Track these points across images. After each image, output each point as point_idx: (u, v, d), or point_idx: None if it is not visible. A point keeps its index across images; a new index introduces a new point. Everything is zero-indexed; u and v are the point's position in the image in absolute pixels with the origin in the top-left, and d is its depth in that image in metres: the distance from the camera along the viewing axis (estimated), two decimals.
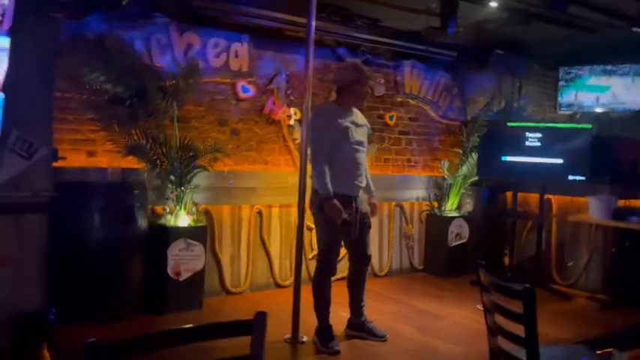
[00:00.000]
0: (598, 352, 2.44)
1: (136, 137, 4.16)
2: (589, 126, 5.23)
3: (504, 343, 2.10)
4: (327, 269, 3.67)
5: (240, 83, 4.85)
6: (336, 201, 3.49)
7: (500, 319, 2.08)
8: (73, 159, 4.05)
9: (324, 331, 3.67)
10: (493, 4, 4.71)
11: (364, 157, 3.75)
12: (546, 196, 5.47)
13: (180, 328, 1.32)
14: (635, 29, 5.08)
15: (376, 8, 5.14)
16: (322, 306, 3.68)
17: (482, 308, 2.20)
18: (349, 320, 3.88)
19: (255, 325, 1.36)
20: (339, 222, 3.53)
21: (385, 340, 3.78)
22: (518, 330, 1.96)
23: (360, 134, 3.70)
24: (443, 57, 5.90)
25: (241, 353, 1.40)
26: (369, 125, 3.87)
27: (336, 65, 5.08)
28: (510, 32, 5.77)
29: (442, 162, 5.91)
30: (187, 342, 1.31)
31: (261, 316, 1.37)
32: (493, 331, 2.09)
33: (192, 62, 4.41)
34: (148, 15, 4.39)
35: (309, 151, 3.62)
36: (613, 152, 5.47)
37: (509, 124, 5.49)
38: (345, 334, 3.84)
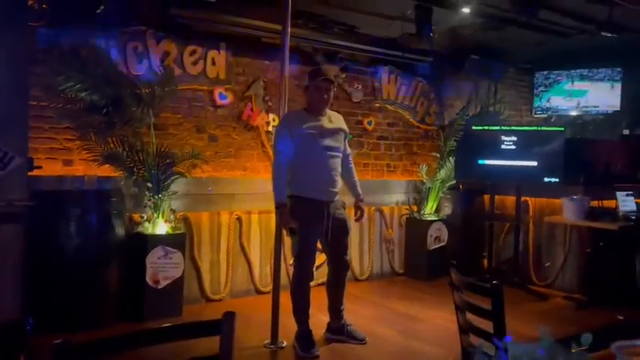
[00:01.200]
0: (572, 350, 2.49)
1: (112, 145, 4.15)
2: (562, 129, 5.34)
3: (476, 340, 2.13)
4: (304, 275, 3.67)
5: (218, 90, 4.87)
6: (287, 210, 3.55)
7: (472, 317, 2.13)
8: (49, 168, 4.03)
9: (304, 337, 3.68)
10: (466, 11, 4.79)
11: (337, 162, 3.71)
12: (523, 198, 5.57)
13: (149, 328, 1.33)
14: (604, 34, 5.20)
15: (353, 15, 5.20)
16: (301, 311, 3.69)
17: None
18: (329, 324, 3.90)
19: (223, 325, 1.37)
20: (286, 230, 3.62)
21: (365, 343, 3.81)
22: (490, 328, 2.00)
23: (331, 139, 3.66)
24: (419, 62, 5.99)
25: (211, 353, 1.42)
26: (346, 129, 3.83)
27: None
28: (485, 37, 5.87)
29: (421, 166, 5.98)
30: (156, 342, 1.32)
31: (229, 316, 1.39)
32: (464, 329, 2.13)
33: (168, 70, 4.42)
34: (124, 24, 4.40)
35: None
36: (586, 154, 5.60)
37: (485, 127, 5.58)
38: (324, 338, 3.86)
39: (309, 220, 3.59)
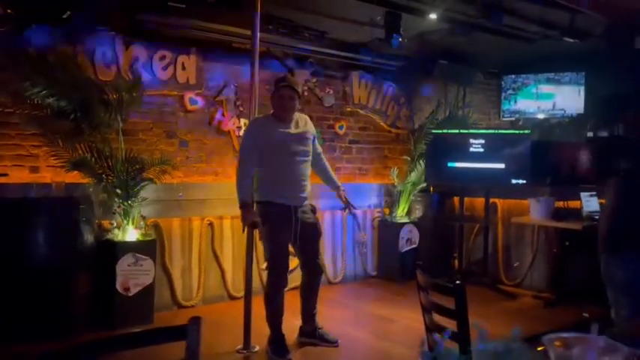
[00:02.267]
0: (539, 348, 2.56)
1: (80, 151, 4.11)
2: (528, 131, 5.48)
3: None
4: (277, 281, 3.66)
5: (188, 95, 4.86)
6: (252, 210, 3.57)
7: (438, 318, 2.17)
8: (16, 175, 3.97)
9: (277, 341, 3.68)
10: (433, 16, 4.87)
11: (305, 166, 3.72)
12: (491, 199, 5.68)
13: (115, 335, 1.34)
14: (567, 39, 5.35)
15: (322, 20, 5.24)
16: (274, 317, 3.69)
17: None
18: (301, 327, 3.92)
19: (189, 330, 1.38)
20: (247, 228, 3.65)
21: (337, 346, 3.83)
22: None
23: (298, 144, 3.67)
24: (389, 67, 6.07)
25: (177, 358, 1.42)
26: (313, 131, 3.83)
27: None
28: (453, 43, 5.97)
29: (392, 170, 6.05)
30: (122, 349, 1.33)
31: (195, 321, 1.40)
32: (430, 329, 2.17)
33: (135, 75, 4.39)
34: (92, 28, 4.36)
35: None
36: (552, 156, 5.74)
37: (454, 131, 5.68)
38: (297, 342, 3.88)
39: (277, 225, 3.60)
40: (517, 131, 5.75)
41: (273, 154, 3.60)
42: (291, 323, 3.90)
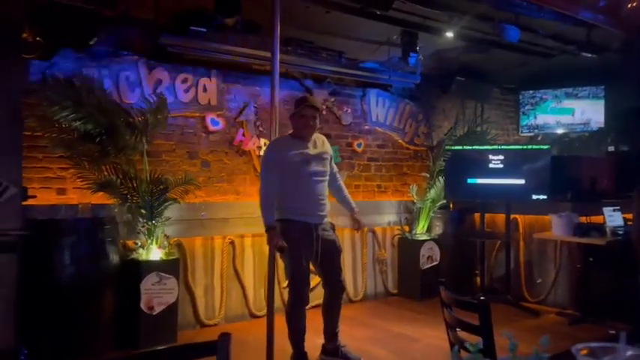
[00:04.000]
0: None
1: (106, 173, 4.20)
2: (547, 147, 5.45)
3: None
4: (299, 299, 3.69)
5: (210, 116, 4.95)
6: (277, 233, 3.56)
7: (463, 335, 2.17)
8: (43, 197, 4.06)
9: (300, 359, 3.69)
10: (450, 35, 4.93)
11: (324, 186, 3.78)
12: (512, 215, 5.64)
13: (146, 351, 1.37)
14: (584, 54, 5.36)
15: (340, 41, 5.33)
16: (296, 335, 3.71)
17: None
18: (324, 346, 3.91)
19: (219, 346, 1.42)
20: (276, 250, 3.60)
21: None
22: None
23: (317, 164, 3.72)
24: (406, 85, 6.11)
25: None
26: (330, 152, 3.89)
27: None
28: (470, 59, 6.02)
29: (411, 186, 6.06)
30: None
31: (225, 337, 1.43)
32: (454, 345, 2.17)
33: (160, 98, 4.49)
34: (116, 53, 4.50)
35: None
36: (572, 171, 5.70)
37: (473, 147, 5.68)
38: None
39: (298, 242, 3.63)
40: (537, 147, 5.73)
41: (293, 174, 3.64)
42: (314, 342, 3.90)
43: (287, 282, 3.77)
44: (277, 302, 4.11)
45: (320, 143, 3.83)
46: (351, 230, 5.57)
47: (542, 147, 5.53)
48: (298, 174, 3.65)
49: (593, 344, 1.03)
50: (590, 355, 1.00)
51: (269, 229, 3.58)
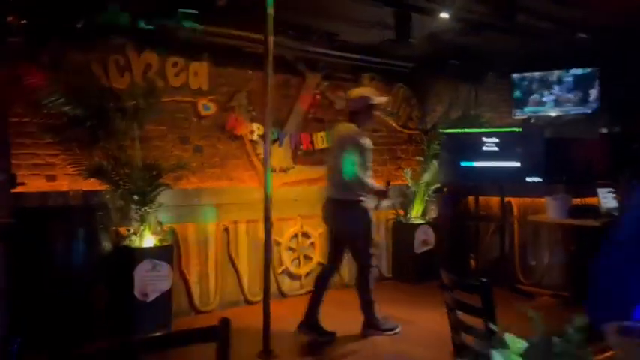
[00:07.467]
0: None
1: (97, 159, 4.13)
2: (541, 129, 5.43)
3: (468, 339, 2.16)
4: (375, 274, 4.25)
5: (201, 101, 4.87)
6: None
7: (463, 316, 2.15)
8: (33, 184, 4.00)
9: (378, 322, 4.16)
10: (444, 16, 4.86)
11: None
12: (506, 198, 5.63)
13: (148, 336, 1.34)
14: (580, 35, 5.31)
15: (332, 23, 5.24)
16: (372, 304, 4.17)
17: None
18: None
19: (219, 331, 1.38)
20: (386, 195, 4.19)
21: (398, 333, 4.21)
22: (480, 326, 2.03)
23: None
24: (400, 68, 6.05)
25: None
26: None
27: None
28: (464, 42, 5.95)
29: (405, 170, 6.03)
30: (155, 350, 1.32)
31: (225, 322, 1.40)
32: (456, 328, 2.15)
33: (150, 82, 4.41)
34: (104, 36, 4.38)
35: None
36: (567, 153, 5.68)
37: (467, 130, 5.65)
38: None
39: (370, 226, 4.08)
40: (530, 129, 5.71)
41: (368, 161, 4.07)
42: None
43: (361, 266, 4.16)
44: (273, 288, 4.09)
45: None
46: None
47: (535, 129, 5.51)
48: (369, 161, 4.10)
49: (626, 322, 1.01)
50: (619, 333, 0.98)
51: (379, 192, 4.09)
